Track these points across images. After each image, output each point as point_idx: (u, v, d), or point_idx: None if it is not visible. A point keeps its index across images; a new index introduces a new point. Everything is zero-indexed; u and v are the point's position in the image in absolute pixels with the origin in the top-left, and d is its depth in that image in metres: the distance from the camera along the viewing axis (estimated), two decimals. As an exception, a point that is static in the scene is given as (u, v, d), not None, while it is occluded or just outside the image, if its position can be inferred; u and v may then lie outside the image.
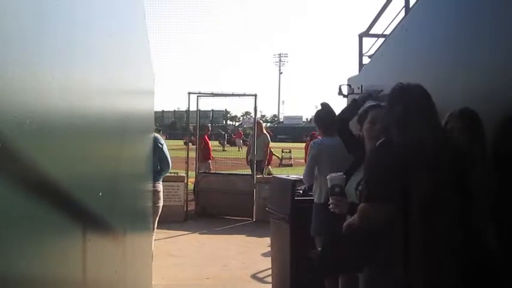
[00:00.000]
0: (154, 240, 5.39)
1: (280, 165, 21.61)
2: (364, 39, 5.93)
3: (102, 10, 1.76)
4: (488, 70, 2.64)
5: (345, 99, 5.41)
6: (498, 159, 2.43)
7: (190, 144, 11.40)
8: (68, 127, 1.17)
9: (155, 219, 5.29)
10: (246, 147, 12.53)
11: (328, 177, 2.85)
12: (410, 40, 4.02)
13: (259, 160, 10.89)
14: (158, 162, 5.26)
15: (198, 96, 10.35)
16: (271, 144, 12.33)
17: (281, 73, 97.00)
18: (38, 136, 0.92)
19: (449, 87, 2.97)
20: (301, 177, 4.43)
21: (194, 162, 10.53)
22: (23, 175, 0.86)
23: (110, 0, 1.99)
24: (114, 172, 2.03)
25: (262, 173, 10.57)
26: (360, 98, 3.63)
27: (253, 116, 10.98)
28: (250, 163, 11.01)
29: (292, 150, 24.49)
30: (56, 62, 1.07)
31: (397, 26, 4.54)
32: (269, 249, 5.49)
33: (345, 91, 5.45)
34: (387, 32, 5.17)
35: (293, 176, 5.03)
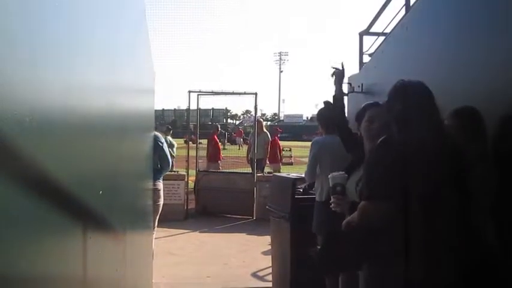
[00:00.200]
0: (155, 238, 5.40)
1: (281, 163, 21.56)
2: (365, 37, 5.92)
3: (103, 8, 1.75)
4: (489, 68, 2.63)
5: (345, 97, 5.41)
6: (499, 158, 2.43)
7: (190, 142, 11.42)
8: (68, 125, 1.17)
9: (155, 218, 5.29)
10: (247, 146, 12.53)
11: (329, 176, 2.85)
12: (410, 38, 4.02)
13: (260, 158, 10.90)
14: (158, 161, 5.26)
15: (198, 95, 10.36)
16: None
17: (281, 71, 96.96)
18: (38, 134, 0.92)
19: (450, 85, 2.97)
20: (302, 175, 4.43)
21: (195, 160, 10.53)
22: (22, 173, 0.86)
23: (110, -2, 1.99)
24: (114, 170, 2.03)
25: (262, 172, 10.57)
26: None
27: (254, 115, 10.98)
28: (250, 161, 11.02)
29: (292, 148, 24.48)
30: (56, 60, 1.07)
31: (397, 24, 4.54)
32: (269, 247, 5.50)
33: (345, 89, 5.45)
34: (388, 30, 5.16)
35: (293, 175, 5.03)
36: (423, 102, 2.30)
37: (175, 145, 11.87)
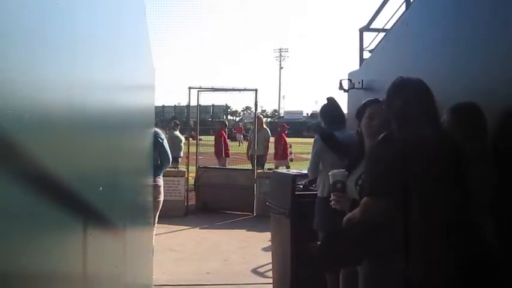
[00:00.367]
0: (155, 235, 5.40)
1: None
2: (365, 33, 5.91)
3: (103, 5, 1.75)
4: (489, 64, 2.63)
5: (346, 93, 5.41)
6: (498, 155, 2.43)
7: (190, 139, 11.42)
8: (68, 121, 1.17)
9: (156, 214, 5.29)
10: (247, 142, 12.54)
11: (329, 173, 2.85)
12: (411, 34, 4.01)
13: (260, 155, 10.91)
14: (159, 157, 5.26)
15: (198, 91, 10.35)
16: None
17: (282, 68, 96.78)
18: (38, 130, 0.92)
19: (450, 82, 2.97)
20: (302, 171, 4.43)
21: (195, 157, 10.54)
22: (22, 169, 0.86)
23: (110, -6, 1.98)
24: (114, 167, 2.03)
25: (262, 168, 10.58)
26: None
27: (254, 111, 10.98)
28: (250, 158, 11.03)
29: (292, 145, 24.45)
30: (56, 57, 1.07)
31: (398, 20, 4.53)
32: (269, 243, 5.50)
33: (345, 86, 5.45)
34: (388, 27, 5.15)
35: (293, 171, 5.03)
36: (422, 98, 2.30)
37: (183, 140, 11.82)
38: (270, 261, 5.17)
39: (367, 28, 5.80)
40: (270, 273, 5.21)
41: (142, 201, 3.79)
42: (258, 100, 10.22)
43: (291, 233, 4.39)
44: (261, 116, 13.35)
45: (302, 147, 16.13)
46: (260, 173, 9.79)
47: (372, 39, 5.78)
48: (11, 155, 0.78)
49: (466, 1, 3.10)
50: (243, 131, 28.40)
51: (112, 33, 1.95)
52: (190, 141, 11.14)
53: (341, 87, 5.41)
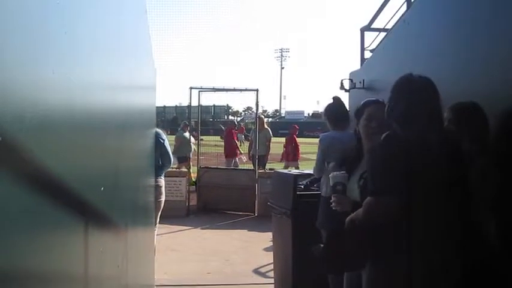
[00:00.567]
0: (156, 235, 5.40)
1: (282, 160, 21.57)
2: (366, 33, 5.90)
3: (104, 5, 1.75)
4: (490, 63, 2.63)
5: (347, 93, 5.40)
6: (498, 154, 2.43)
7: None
8: (69, 122, 1.17)
9: (157, 214, 5.30)
10: (248, 142, 12.53)
11: (330, 175, 2.85)
12: (412, 34, 4.01)
13: (261, 155, 10.91)
14: (160, 158, 5.27)
15: (199, 91, 10.36)
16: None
17: (283, 68, 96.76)
18: (39, 131, 0.92)
19: (451, 81, 2.96)
20: (303, 171, 4.43)
21: (196, 157, 10.54)
22: (23, 170, 0.86)
23: (111, -6, 1.98)
24: (116, 167, 2.03)
25: (264, 168, 10.58)
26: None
27: (255, 111, 10.98)
28: (252, 158, 11.02)
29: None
30: (57, 57, 1.07)
31: (399, 19, 4.53)
32: (271, 244, 5.50)
33: (346, 86, 5.44)
34: (389, 26, 5.15)
35: (294, 171, 5.03)
36: (427, 96, 2.28)
37: (193, 140, 11.79)
38: (272, 261, 5.17)
39: (368, 28, 5.79)
40: (272, 274, 5.21)
41: (143, 201, 3.79)
42: (259, 100, 10.24)
43: (293, 233, 4.39)
44: (262, 116, 13.34)
45: (303, 147, 16.10)
46: (261, 173, 9.79)
47: (373, 39, 5.77)
48: (12, 155, 0.78)
49: (466, 1, 3.10)
50: (244, 131, 28.39)
51: (113, 33, 1.95)
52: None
53: (342, 87, 5.41)
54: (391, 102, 2.37)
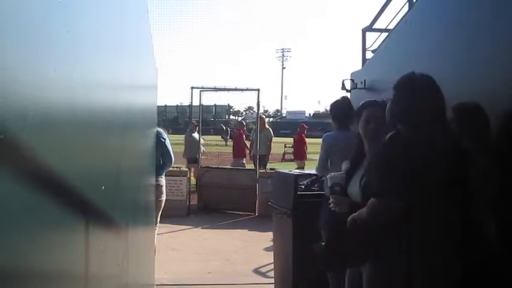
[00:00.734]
0: (157, 234, 5.40)
1: (283, 160, 21.61)
2: (368, 33, 5.89)
3: (106, 4, 1.75)
4: (492, 64, 2.62)
5: (348, 94, 5.40)
6: (499, 154, 2.42)
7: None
8: (70, 120, 1.17)
9: (158, 214, 5.30)
10: (249, 142, 12.54)
11: (328, 176, 2.85)
12: (413, 34, 4.00)
13: (262, 155, 10.90)
14: (161, 157, 5.27)
15: (200, 91, 10.36)
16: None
17: (284, 68, 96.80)
18: (41, 129, 0.92)
19: (453, 82, 2.96)
20: (303, 171, 4.43)
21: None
22: (25, 168, 0.86)
23: (113, -7, 1.98)
24: (117, 166, 2.03)
25: (264, 168, 10.58)
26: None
27: (256, 111, 10.98)
28: (253, 158, 11.02)
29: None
30: (59, 56, 1.07)
31: (400, 20, 4.52)
32: (271, 243, 5.50)
33: (348, 86, 5.43)
34: (391, 27, 5.14)
35: (295, 171, 5.03)
36: (429, 95, 2.28)
37: (203, 142, 11.79)
38: (272, 261, 5.17)
39: (369, 28, 5.79)
40: (272, 273, 5.21)
41: (144, 200, 3.80)
42: (260, 100, 10.26)
43: (293, 232, 4.38)
44: (263, 116, 13.35)
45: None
46: (262, 173, 9.79)
47: (374, 39, 5.77)
48: (13, 154, 0.78)
49: (468, 1, 3.09)
50: (245, 131, 28.42)
51: (115, 32, 1.95)
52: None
53: (343, 87, 5.40)
54: (393, 101, 2.36)
